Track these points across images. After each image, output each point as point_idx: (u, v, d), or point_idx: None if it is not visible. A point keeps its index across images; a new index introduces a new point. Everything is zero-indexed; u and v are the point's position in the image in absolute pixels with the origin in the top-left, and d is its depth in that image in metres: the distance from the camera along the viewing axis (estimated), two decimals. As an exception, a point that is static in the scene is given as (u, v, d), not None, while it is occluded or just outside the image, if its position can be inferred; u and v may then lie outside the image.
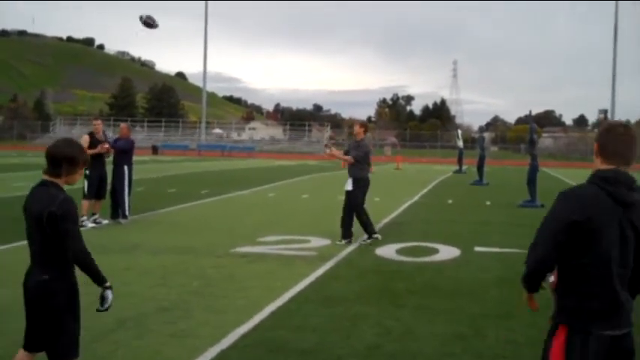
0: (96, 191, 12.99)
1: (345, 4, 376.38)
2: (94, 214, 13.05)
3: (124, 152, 13.59)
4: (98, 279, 4.04)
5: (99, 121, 13.72)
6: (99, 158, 13.00)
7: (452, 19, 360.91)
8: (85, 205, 12.65)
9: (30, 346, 4.05)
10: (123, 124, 14.85)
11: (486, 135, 29.91)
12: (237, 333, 5.98)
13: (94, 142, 12.94)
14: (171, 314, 6.60)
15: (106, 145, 13.07)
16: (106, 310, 4.07)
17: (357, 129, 12.02)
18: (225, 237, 11.63)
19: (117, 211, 13.47)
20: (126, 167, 13.58)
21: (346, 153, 11.78)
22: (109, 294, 4.06)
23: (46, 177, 3.97)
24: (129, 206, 13.55)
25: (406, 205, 17.94)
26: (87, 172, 12.64)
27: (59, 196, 3.87)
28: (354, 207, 11.46)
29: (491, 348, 5.78)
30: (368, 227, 11.51)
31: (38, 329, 3.98)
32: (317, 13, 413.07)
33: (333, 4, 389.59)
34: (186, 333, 5.99)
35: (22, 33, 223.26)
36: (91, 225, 12.55)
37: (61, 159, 3.96)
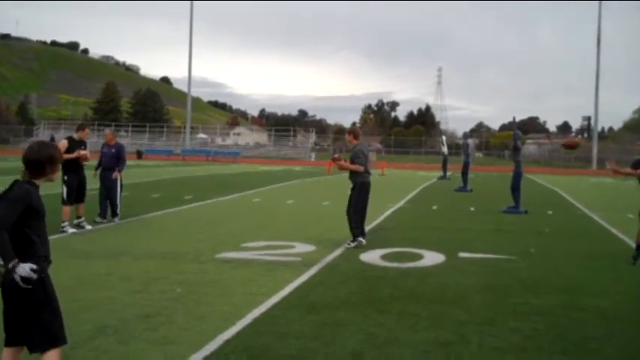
0: (76, 195, 12.96)
1: (332, 11, 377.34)
2: (79, 217, 13.01)
3: (117, 157, 14.20)
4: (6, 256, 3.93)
5: (86, 131, 13.81)
6: (78, 163, 12.95)
7: (437, 26, 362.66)
8: (66, 210, 12.60)
9: (10, 340, 4.15)
10: (107, 130, 15.29)
11: (471, 141, 29.97)
12: (219, 339, 5.92)
13: (72, 146, 12.87)
14: (153, 320, 6.52)
15: (83, 152, 12.96)
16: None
17: (347, 137, 12.25)
18: (209, 242, 11.56)
19: (106, 210, 14.00)
20: (117, 170, 14.14)
21: (351, 161, 11.81)
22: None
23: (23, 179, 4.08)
24: (119, 207, 14.14)
25: (391, 211, 17.94)
26: (65, 177, 12.70)
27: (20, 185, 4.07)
28: (354, 207, 11.65)
29: (475, 354, 5.76)
30: (355, 230, 11.56)
31: (15, 323, 4.07)
32: (304, 20, 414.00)
33: (320, 10, 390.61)
34: (169, 339, 5.92)
35: (5, 36, 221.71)
36: (72, 230, 12.46)
37: (44, 161, 4.11)
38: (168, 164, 50.31)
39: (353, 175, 11.79)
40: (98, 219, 13.90)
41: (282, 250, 10.91)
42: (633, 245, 12.00)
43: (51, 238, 11.57)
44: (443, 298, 7.88)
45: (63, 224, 12.32)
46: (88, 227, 13.04)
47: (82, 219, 13.03)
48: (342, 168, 12.09)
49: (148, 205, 17.36)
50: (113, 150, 14.31)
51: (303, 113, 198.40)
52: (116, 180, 14.09)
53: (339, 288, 8.29)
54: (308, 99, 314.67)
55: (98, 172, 14.29)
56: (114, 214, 14.03)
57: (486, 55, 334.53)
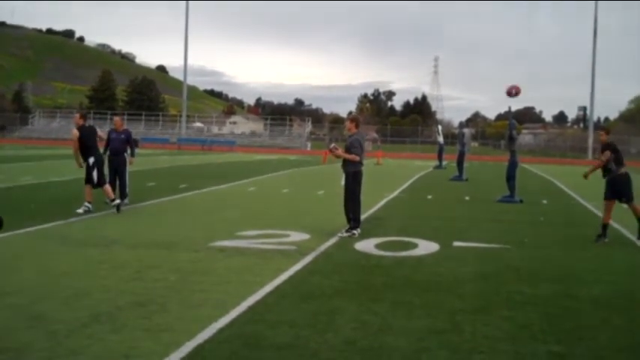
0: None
1: (331, 0, 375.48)
2: (113, 200, 13.87)
3: (127, 142, 15.30)
4: None
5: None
6: (86, 149, 13.72)
7: (434, 15, 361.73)
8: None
9: None
10: (117, 118, 16.36)
11: (466, 131, 29.97)
12: (213, 327, 5.92)
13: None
14: (147, 309, 6.52)
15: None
16: None
17: (347, 124, 12.11)
18: (203, 231, 11.56)
19: (114, 190, 14.68)
20: (126, 155, 15.30)
21: (347, 150, 11.74)
22: None
23: None
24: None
25: (386, 200, 17.96)
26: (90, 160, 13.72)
27: None
28: (350, 198, 11.62)
29: (468, 342, 5.77)
30: (354, 222, 11.58)
31: None
32: (302, 9, 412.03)
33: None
34: (162, 327, 5.92)
35: (0, 24, 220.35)
36: (79, 210, 13.13)
37: None
38: (163, 153, 50.22)
39: (345, 164, 11.75)
40: (107, 201, 14.24)
41: (276, 239, 10.91)
42: (627, 234, 12.06)
43: (44, 226, 11.54)
44: (437, 287, 7.89)
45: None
46: (126, 204, 14.43)
47: (115, 201, 13.73)
48: (338, 157, 12.04)
49: (143, 193, 17.32)
50: (122, 136, 15.28)
51: (299, 102, 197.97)
52: (125, 163, 15.12)
53: (333, 276, 8.29)
54: (305, 88, 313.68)
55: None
56: (123, 196, 14.74)
57: (483, 45, 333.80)
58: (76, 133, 13.46)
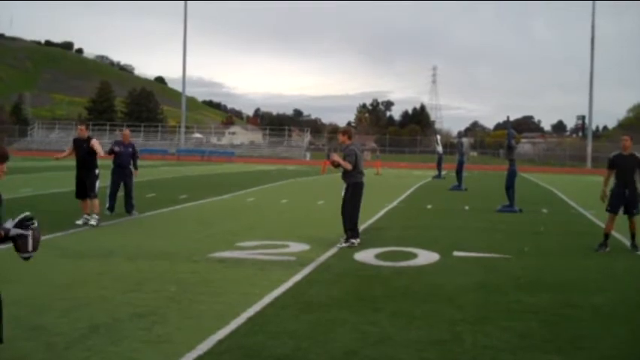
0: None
1: (328, 10, 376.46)
2: (88, 214, 13.57)
3: (133, 155, 15.50)
4: None
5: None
6: (79, 162, 13.66)
7: (432, 25, 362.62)
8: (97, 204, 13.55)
9: None
10: (126, 131, 16.58)
11: (465, 140, 30.05)
12: (213, 339, 5.91)
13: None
14: (146, 320, 6.50)
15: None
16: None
17: (340, 138, 12.20)
18: (203, 242, 11.55)
19: (114, 204, 15.04)
20: (131, 167, 15.42)
21: (343, 160, 11.80)
22: None
23: None
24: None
25: (385, 210, 17.95)
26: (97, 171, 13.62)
27: None
28: (347, 208, 11.66)
29: (468, 353, 5.75)
30: (350, 231, 11.58)
31: None
32: (301, 19, 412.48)
33: (316, 10, 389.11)
34: (162, 339, 5.91)
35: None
36: (77, 222, 13.13)
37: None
38: (163, 164, 50.22)
39: (346, 175, 11.78)
40: (108, 212, 14.56)
41: (276, 250, 10.90)
42: (627, 243, 12.06)
43: (43, 238, 11.55)
44: (436, 297, 7.88)
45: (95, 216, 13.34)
46: (135, 215, 14.76)
47: (90, 216, 13.40)
48: (334, 162, 12.05)
49: (142, 204, 17.27)
50: (130, 149, 15.48)
51: (298, 112, 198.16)
52: (132, 175, 15.32)
53: (333, 287, 8.28)
54: (305, 98, 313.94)
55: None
56: (130, 207, 15.10)
57: (481, 55, 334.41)
58: (97, 142, 13.66)
